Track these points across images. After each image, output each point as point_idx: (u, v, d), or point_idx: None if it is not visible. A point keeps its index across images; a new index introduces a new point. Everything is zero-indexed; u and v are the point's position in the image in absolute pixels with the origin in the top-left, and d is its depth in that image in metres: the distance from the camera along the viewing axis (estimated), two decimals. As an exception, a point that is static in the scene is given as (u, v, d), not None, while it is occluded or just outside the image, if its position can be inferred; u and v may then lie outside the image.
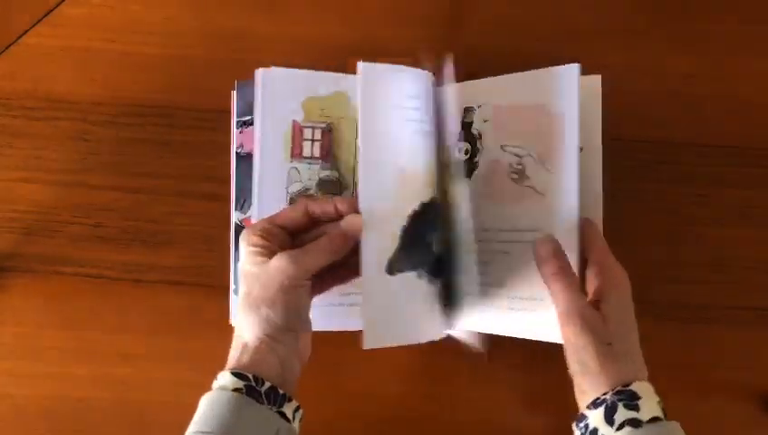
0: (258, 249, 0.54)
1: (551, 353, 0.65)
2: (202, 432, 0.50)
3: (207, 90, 0.67)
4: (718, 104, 0.68)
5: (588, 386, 0.53)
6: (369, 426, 0.66)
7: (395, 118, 0.58)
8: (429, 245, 0.60)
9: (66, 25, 0.67)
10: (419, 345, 0.66)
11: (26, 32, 0.67)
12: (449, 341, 0.66)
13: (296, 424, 0.54)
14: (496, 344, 0.66)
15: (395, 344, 0.57)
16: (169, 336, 0.66)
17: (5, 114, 0.67)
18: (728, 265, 0.67)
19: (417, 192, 0.59)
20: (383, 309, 0.57)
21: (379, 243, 0.56)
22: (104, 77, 0.67)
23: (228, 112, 0.65)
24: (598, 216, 0.62)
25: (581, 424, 0.53)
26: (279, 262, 0.53)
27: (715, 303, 0.67)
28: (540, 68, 0.64)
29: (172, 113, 0.67)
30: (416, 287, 0.59)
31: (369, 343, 0.55)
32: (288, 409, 0.53)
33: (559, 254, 0.54)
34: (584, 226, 0.57)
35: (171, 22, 0.68)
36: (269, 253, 0.54)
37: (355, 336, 0.65)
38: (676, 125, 0.68)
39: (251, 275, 0.54)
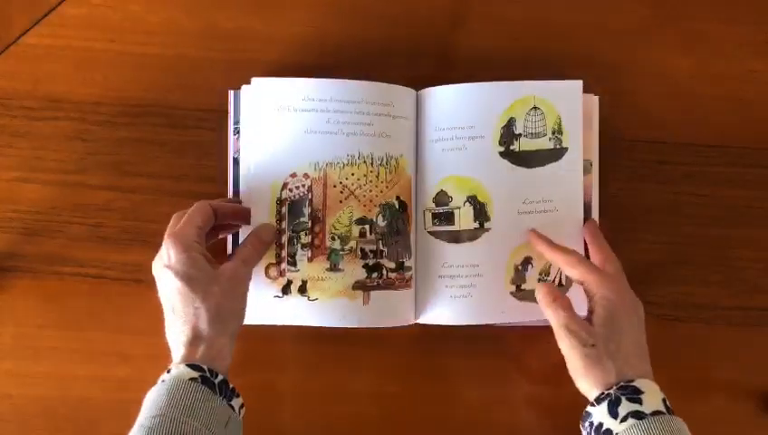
0: (202, 255, 0.56)
1: (551, 353, 0.65)
2: (160, 417, 0.51)
3: (207, 90, 0.66)
4: (718, 104, 0.68)
5: (582, 387, 0.56)
6: (369, 426, 0.66)
7: (282, 122, 0.62)
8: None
9: (66, 25, 0.67)
10: (419, 345, 0.66)
11: (26, 32, 0.67)
12: (449, 341, 0.66)
13: (240, 418, 0.56)
14: (496, 344, 0.66)
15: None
16: (169, 336, 0.66)
17: (5, 114, 0.67)
18: (728, 265, 0.67)
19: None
20: None
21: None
22: (104, 77, 0.67)
23: (224, 111, 0.65)
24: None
25: (586, 422, 0.55)
26: (236, 266, 0.58)
27: (715, 303, 0.67)
28: (540, 69, 0.64)
29: (171, 113, 0.67)
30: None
31: None
32: (236, 403, 0.55)
33: (551, 286, 0.60)
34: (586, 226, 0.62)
35: (171, 22, 0.68)
36: (209, 257, 0.57)
37: (355, 336, 0.66)
38: (676, 125, 0.68)
39: (203, 279, 0.56)
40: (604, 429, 0.53)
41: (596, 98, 0.65)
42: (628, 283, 0.59)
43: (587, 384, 0.55)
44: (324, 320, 0.62)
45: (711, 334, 0.66)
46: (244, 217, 0.62)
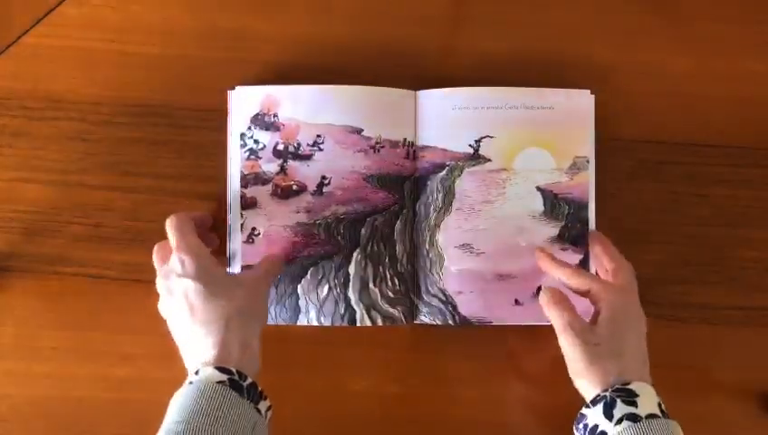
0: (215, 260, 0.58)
1: (550, 354, 0.65)
2: (186, 422, 0.50)
3: (207, 90, 0.66)
4: (718, 104, 0.68)
5: (581, 387, 0.56)
6: (369, 426, 0.66)
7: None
8: None
9: (66, 25, 0.67)
10: (419, 345, 0.66)
11: (26, 32, 0.67)
12: (449, 341, 0.66)
13: (267, 422, 0.55)
14: (496, 344, 0.66)
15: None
16: (169, 336, 0.65)
17: (5, 114, 0.67)
18: (728, 265, 0.67)
19: None
20: None
21: None
22: (104, 77, 0.67)
23: (224, 111, 0.65)
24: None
25: (580, 425, 0.55)
26: (257, 272, 0.60)
27: (715, 303, 0.67)
28: (540, 69, 0.64)
29: (171, 113, 0.67)
30: None
31: None
32: (262, 406, 0.54)
33: (556, 290, 0.59)
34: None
35: (171, 22, 0.68)
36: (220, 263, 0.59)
37: (355, 336, 0.66)
38: (676, 125, 0.68)
39: (225, 283, 0.57)
40: (599, 431, 0.53)
41: (592, 96, 0.65)
42: (637, 295, 0.59)
43: (586, 383, 0.55)
44: None
45: (711, 334, 0.66)
46: (206, 223, 0.64)
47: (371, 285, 0.64)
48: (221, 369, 0.53)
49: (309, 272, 0.64)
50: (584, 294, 0.59)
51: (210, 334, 0.55)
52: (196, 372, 0.53)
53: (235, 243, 0.64)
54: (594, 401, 0.54)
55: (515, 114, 0.64)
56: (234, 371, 0.53)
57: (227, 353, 0.54)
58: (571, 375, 0.57)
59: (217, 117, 0.66)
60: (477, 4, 0.68)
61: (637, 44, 0.68)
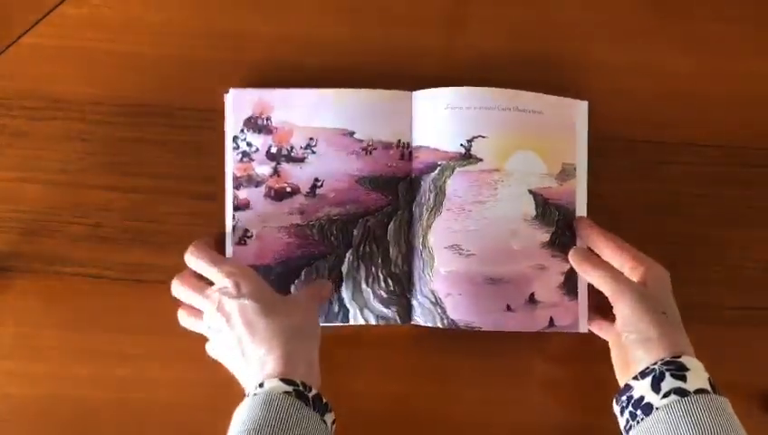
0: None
1: (553, 354, 0.65)
2: (253, 431, 0.50)
3: (207, 90, 0.66)
4: (718, 104, 0.68)
5: (645, 353, 0.54)
6: (369, 426, 0.66)
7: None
8: None
9: (66, 25, 0.67)
10: (419, 345, 0.66)
11: (26, 32, 0.67)
12: (449, 341, 0.66)
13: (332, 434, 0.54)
14: (496, 344, 0.66)
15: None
16: (169, 336, 0.66)
17: (5, 114, 0.67)
18: (728, 265, 0.67)
19: None
20: None
21: None
22: (104, 77, 0.67)
23: (224, 111, 0.65)
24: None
25: (623, 397, 0.54)
26: (309, 290, 0.62)
27: (715, 303, 0.67)
28: (540, 69, 0.64)
29: (171, 113, 0.67)
30: None
31: None
32: (328, 418, 0.54)
33: (580, 250, 0.61)
34: (609, 236, 0.62)
35: (171, 22, 0.68)
36: None
37: (354, 336, 0.66)
38: (676, 125, 0.68)
39: (280, 301, 0.58)
40: (644, 402, 0.52)
41: (585, 103, 0.65)
42: None
43: (646, 350, 0.54)
44: None
45: (711, 334, 0.66)
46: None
47: (364, 285, 0.64)
48: (286, 380, 0.52)
49: (303, 272, 0.64)
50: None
51: (272, 350, 0.54)
52: (260, 385, 0.53)
53: (227, 245, 0.64)
54: (643, 374, 0.53)
55: (507, 116, 0.63)
56: (299, 382, 0.53)
57: (292, 367, 0.54)
58: (628, 342, 0.55)
59: (217, 117, 0.66)
60: (477, 4, 0.68)
61: (637, 44, 0.68)
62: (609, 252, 0.60)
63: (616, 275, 0.58)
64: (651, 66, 0.68)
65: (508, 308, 0.63)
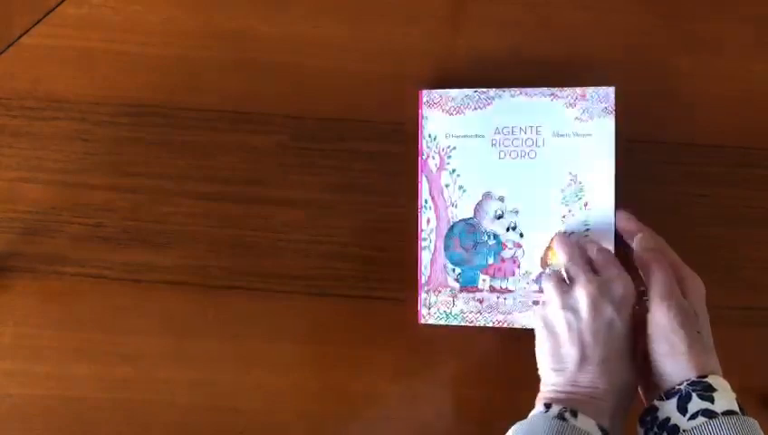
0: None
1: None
2: None
3: (207, 90, 0.67)
4: (718, 104, 0.68)
5: (672, 368, 0.52)
6: (368, 426, 0.66)
7: None
8: None
9: (66, 25, 0.67)
10: (419, 345, 0.66)
11: (26, 32, 0.67)
12: (449, 341, 0.66)
13: None
14: (496, 344, 0.66)
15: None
16: (169, 336, 0.66)
17: (5, 114, 0.67)
18: (728, 265, 0.67)
19: None
20: None
21: None
22: (104, 77, 0.67)
23: (224, 111, 0.65)
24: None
25: (648, 418, 0.52)
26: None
27: (715, 303, 0.67)
28: (540, 70, 0.64)
29: (172, 113, 0.67)
30: None
31: None
32: None
33: (656, 238, 0.58)
34: (656, 240, 0.59)
35: (171, 22, 0.68)
36: None
37: (355, 336, 0.66)
38: (676, 125, 0.68)
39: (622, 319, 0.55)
40: (671, 424, 0.50)
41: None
42: None
43: (674, 366, 0.52)
44: None
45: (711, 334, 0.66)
46: None
47: None
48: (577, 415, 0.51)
49: None
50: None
51: (588, 388, 0.53)
52: (575, 415, 0.51)
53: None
54: (668, 394, 0.51)
55: None
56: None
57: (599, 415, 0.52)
58: (656, 355, 0.53)
59: (218, 117, 0.66)
60: (477, 4, 0.68)
61: (637, 44, 0.68)
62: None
63: (671, 280, 0.55)
64: (652, 66, 0.68)
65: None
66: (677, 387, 0.51)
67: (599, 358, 0.53)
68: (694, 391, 0.50)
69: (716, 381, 0.51)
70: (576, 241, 0.60)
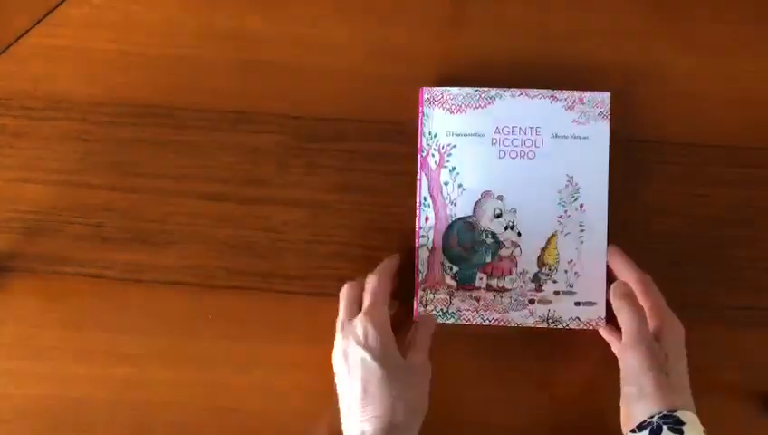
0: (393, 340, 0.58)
1: (555, 354, 0.65)
2: None
3: (207, 90, 0.67)
4: (718, 104, 0.68)
5: (639, 411, 0.54)
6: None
7: None
8: None
9: (66, 25, 0.67)
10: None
11: (26, 32, 0.67)
12: (450, 341, 0.66)
13: None
14: (497, 344, 0.66)
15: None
16: (169, 336, 0.66)
17: (5, 114, 0.67)
18: (728, 265, 0.67)
19: None
20: None
21: None
22: (104, 77, 0.67)
23: (224, 111, 0.65)
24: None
25: None
26: (425, 359, 0.59)
27: (715, 303, 0.67)
28: (540, 70, 0.64)
29: (172, 113, 0.67)
30: None
31: None
32: None
33: (628, 286, 0.59)
34: (641, 277, 0.61)
35: (171, 22, 0.68)
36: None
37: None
38: (676, 125, 0.68)
39: (401, 369, 0.57)
40: None
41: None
42: None
43: (641, 408, 0.54)
44: None
45: (711, 334, 0.66)
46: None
47: None
48: None
49: None
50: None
51: (380, 419, 0.55)
52: None
53: None
54: (641, 427, 0.53)
55: None
56: None
57: None
58: (626, 396, 0.56)
59: (218, 117, 0.66)
60: (477, 4, 0.68)
61: (637, 44, 0.68)
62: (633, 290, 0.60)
63: (641, 321, 0.57)
64: (651, 66, 0.68)
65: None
66: (648, 420, 0.53)
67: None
68: (665, 423, 0.52)
69: (686, 415, 0.53)
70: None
